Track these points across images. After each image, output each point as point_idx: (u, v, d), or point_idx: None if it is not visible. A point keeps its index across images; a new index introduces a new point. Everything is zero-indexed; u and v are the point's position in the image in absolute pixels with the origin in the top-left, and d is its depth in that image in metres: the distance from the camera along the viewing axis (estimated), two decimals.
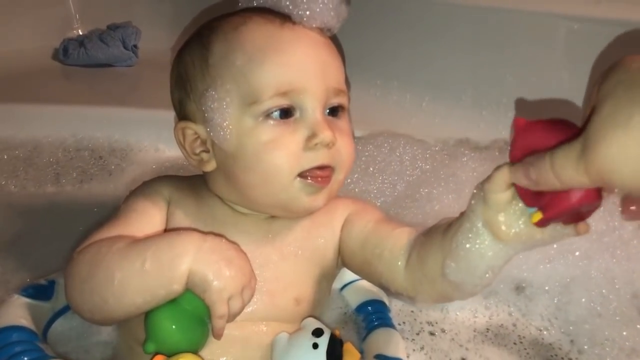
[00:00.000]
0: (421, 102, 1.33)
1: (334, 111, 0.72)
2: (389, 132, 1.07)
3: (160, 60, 1.63)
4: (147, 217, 0.73)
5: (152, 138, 1.29)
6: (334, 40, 0.75)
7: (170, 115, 1.10)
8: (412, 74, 1.36)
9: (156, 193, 0.76)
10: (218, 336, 0.64)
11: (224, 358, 0.66)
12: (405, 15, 1.36)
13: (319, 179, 0.69)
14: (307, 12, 0.70)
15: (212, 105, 0.69)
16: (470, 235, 0.61)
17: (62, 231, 1.05)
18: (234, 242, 0.67)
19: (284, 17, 0.71)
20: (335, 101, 0.71)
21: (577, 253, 0.85)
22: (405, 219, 0.91)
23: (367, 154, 1.00)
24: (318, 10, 0.71)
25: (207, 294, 0.61)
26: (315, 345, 0.65)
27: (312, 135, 0.67)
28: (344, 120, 0.73)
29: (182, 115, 0.75)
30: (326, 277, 0.77)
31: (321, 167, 0.69)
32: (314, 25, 0.71)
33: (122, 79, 1.61)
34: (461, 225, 0.62)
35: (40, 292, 0.75)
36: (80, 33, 1.77)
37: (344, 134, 0.72)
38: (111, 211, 1.07)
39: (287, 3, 0.71)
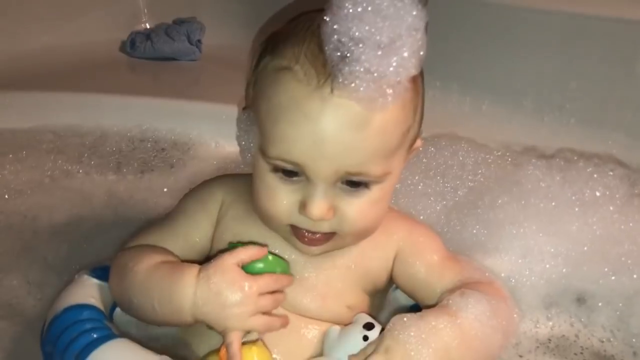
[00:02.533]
0: (481, 105, 1.32)
1: (353, 184, 0.66)
2: (451, 135, 1.06)
3: (222, 55, 1.67)
4: (193, 221, 0.76)
5: (213, 132, 1.32)
6: None
7: (231, 110, 1.13)
8: (472, 77, 1.35)
9: (209, 194, 0.78)
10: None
11: (277, 347, 0.68)
12: (466, 17, 1.34)
13: (308, 239, 0.69)
14: (357, 80, 0.59)
15: (244, 127, 0.71)
16: None
17: (122, 219, 1.09)
18: (226, 269, 0.64)
19: (327, 77, 0.61)
20: (353, 179, 0.65)
21: None
22: (466, 226, 0.90)
23: (429, 155, 0.99)
24: (373, 78, 0.59)
25: (219, 332, 0.64)
26: (365, 338, 0.65)
27: (302, 205, 0.66)
28: (365, 194, 0.67)
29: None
30: (381, 293, 0.79)
31: (312, 232, 0.68)
32: (358, 95, 0.61)
33: (186, 73, 1.65)
34: None
35: (107, 274, 0.77)
36: (148, 27, 1.82)
37: (357, 204, 0.67)
38: (170, 203, 1.12)
39: (347, 54, 0.59)
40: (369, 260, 0.76)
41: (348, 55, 0.60)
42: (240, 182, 0.80)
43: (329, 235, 0.69)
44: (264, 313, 0.65)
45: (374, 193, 0.67)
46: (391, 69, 0.60)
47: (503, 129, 1.23)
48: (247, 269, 0.65)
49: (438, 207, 0.92)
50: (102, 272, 0.77)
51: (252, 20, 1.46)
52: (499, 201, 0.89)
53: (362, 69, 0.59)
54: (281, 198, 0.67)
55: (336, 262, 0.74)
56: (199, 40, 1.70)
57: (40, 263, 0.95)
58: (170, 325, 0.69)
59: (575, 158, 0.97)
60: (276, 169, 0.66)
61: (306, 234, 0.68)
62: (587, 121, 1.19)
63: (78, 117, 1.34)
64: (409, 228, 0.78)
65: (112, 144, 1.31)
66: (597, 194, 0.88)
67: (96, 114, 1.35)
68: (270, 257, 0.68)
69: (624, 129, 1.14)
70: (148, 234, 0.75)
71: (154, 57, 1.68)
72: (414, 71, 0.62)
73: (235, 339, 0.62)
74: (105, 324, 0.68)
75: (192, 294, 0.63)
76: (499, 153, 1.00)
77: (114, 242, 1.00)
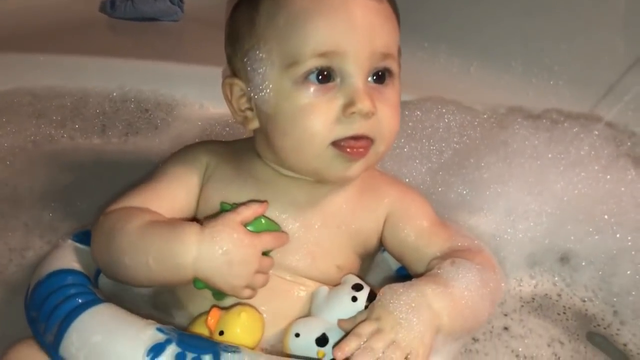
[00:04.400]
0: (469, 67, 1.31)
1: (381, 77, 0.70)
2: (437, 98, 1.06)
3: (205, 15, 1.63)
4: (178, 183, 0.75)
5: (197, 94, 1.30)
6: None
7: (215, 72, 1.11)
8: (461, 38, 1.34)
9: (193, 158, 0.77)
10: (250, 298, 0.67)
11: (265, 307, 0.68)
12: None
13: (354, 149, 0.68)
14: None
15: (254, 65, 0.69)
16: None
17: (108, 182, 1.08)
18: (234, 228, 0.65)
19: None
20: (381, 64, 0.69)
21: (626, 225, 0.84)
22: (452, 187, 0.90)
23: (414, 119, 0.99)
24: None
25: (223, 290, 0.65)
26: (354, 299, 0.66)
27: (349, 104, 0.66)
28: (391, 88, 0.71)
29: (232, 70, 0.75)
30: (370, 254, 0.79)
31: (357, 138, 0.68)
32: None
33: (168, 34, 1.63)
34: None
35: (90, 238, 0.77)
36: None
37: (388, 104, 0.70)
38: (155, 165, 1.11)
39: None
40: (359, 220, 0.76)
41: None
42: (224, 146, 0.80)
43: (369, 143, 0.69)
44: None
45: (394, 91, 0.71)
46: None
47: (492, 90, 1.23)
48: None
49: (424, 169, 0.93)
50: (85, 237, 0.76)
51: None
52: (485, 161, 0.90)
53: None
54: (320, 111, 0.67)
55: (327, 222, 0.74)
56: (181, 0, 1.67)
57: (22, 230, 0.94)
58: (164, 283, 0.68)
59: (562, 118, 0.97)
60: (307, 77, 0.66)
61: (352, 142, 0.68)
62: (576, 82, 1.19)
63: (57, 79, 1.32)
64: (401, 193, 0.79)
65: (95, 107, 1.29)
66: (582, 153, 0.89)
67: (76, 75, 1.33)
68: (263, 220, 0.68)
69: (612, 90, 1.14)
70: (130, 197, 0.73)
71: (135, 17, 1.65)
72: None
73: (247, 295, 0.65)
74: (90, 289, 0.67)
75: (196, 250, 0.63)
76: (485, 115, 1.00)
77: (98, 206, 0.99)
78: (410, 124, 0.99)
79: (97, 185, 1.07)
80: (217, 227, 0.63)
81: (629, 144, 0.94)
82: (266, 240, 0.66)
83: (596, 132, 0.91)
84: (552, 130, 0.92)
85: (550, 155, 0.89)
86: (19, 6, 1.62)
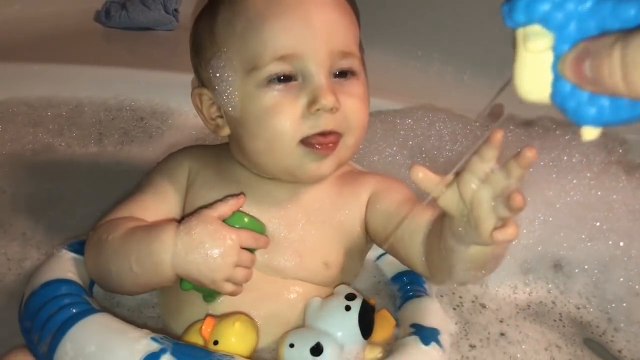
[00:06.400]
0: (462, 75, 1.31)
1: (343, 74, 0.70)
2: (428, 106, 1.06)
3: None
4: (163, 192, 0.76)
5: (191, 103, 1.30)
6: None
7: None
8: (454, 46, 1.34)
9: (177, 165, 0.78)
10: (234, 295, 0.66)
11: (257, 311, 0.68)
12: None
13: (322, 145, 0.68)
14: None
15: (217, 73, 0.70)
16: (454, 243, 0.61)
17: (103, 191, 1.08)
18: (209, 221, 0.64)
19: None
20: (343, 64, 0.70)
21: (618, 232, 0.84)
22: None
23: (406, 127, 0.99)
24: None
25: (204, 284, 0.64)
26: (347, 308, 0.66)
27: (313, 101, 0.66)
28: (355, 83, 0.71)
29: (199, 80, 0.77)
30: (357, 250, 0.78)
31: (324, 134, 0.68)
32: None
33: (163, 43, 1.63)
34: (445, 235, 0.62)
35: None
36: None
37: (353, 97, 0.70)
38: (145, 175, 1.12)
39: None
40: (342, 211, 0.76)
41: None
42: (206, 150, 0.82)
43: (337, 138, 0.69)
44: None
45: (359, 83, 0.72)
46: None
47: (485, 98, 1.22)
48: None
49: None
50: (80, 247, 0.76)
51: None
52: None
53: None
54: (285, 109, 0.67)
55: (311, 218, 0.74)
56: (176, 10, 1.67)
57: (20, 239, 0.94)
58: (150, 286, 0.68)
59: (554, 126, 0.98)
60: (271, 80, 0.67)
61: (320, 138, 0.68)
62: None
63: (52, 88, 1.31)
64: (381, 179, 0.80)
65: (90, 115, 1.29)
66: (574, 160, 0.89)
67: (71, 85, 1.32)
68: (246, 218, 0.68)
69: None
70: (118, 210, 0.74)
71: (130, 27, 1.65)
72: None
73: (229, 289, 0.64)
74: (84, 299, 0.67)
75: (172, 245, 0.63)
76: (478, 123, 1.00)
77: (95, 215, 0.99)
78: (402, 132, 0.99)
79: (93, 194, 1.07)
80: (193, 222, 0.64)
81: (620, 151, 0.94)
82: (244, 236, 0.65)
83: None
84: (545, 138, 0.93)
85: (542, 163, 0.89)
86: (14, 16, 1.62)
